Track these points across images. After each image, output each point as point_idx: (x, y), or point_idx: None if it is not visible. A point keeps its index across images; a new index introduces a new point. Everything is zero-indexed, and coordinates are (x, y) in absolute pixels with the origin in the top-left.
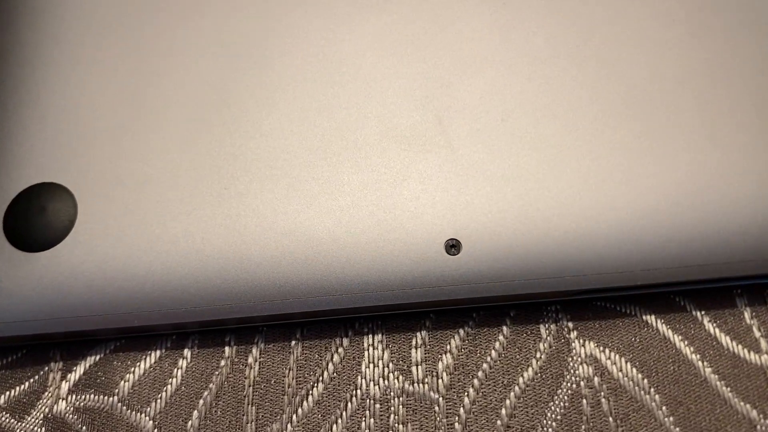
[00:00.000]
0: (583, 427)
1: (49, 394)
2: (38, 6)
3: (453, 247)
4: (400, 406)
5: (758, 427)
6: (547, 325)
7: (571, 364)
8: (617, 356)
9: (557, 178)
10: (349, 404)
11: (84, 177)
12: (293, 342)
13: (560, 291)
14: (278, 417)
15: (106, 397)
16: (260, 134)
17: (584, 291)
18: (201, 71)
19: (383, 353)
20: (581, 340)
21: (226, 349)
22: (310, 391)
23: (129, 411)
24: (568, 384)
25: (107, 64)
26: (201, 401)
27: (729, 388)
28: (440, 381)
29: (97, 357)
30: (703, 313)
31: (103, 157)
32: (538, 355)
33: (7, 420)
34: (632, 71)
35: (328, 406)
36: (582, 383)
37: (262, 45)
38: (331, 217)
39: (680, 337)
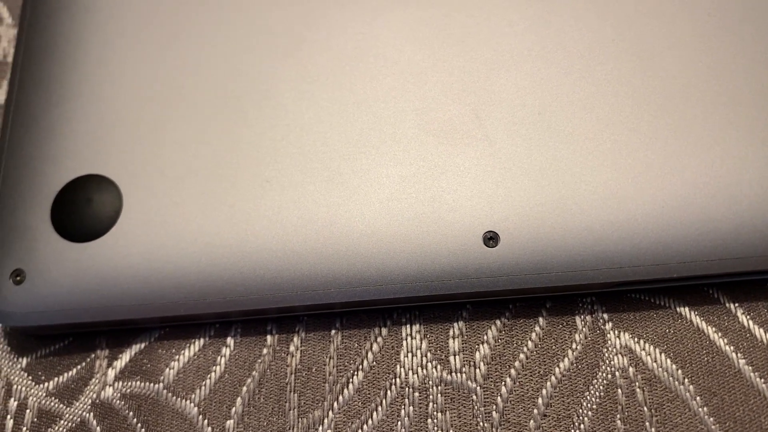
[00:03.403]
0: (618, 416)
1: (96, 381)
2: (79, 1)
3: (491, 239)
4: (439, 395)
5: None
6: (582, 317)
7: (606, 354)
8: (652, 347)
9: (594, 171)
10: (389, 392)
11: (129, 169)
12: (333, 331)
13: (597, 283)
14: (320, 404)
15: (151, 384)
16: (300, 127)
17: (620, 283)
18: (242, 64)
19: (421, 343)
20: (616, 332)
21: (268, 337)
22: (351, 379)
23: (174, 398)
24: (604, 374)
25: (150, 57)
26: (244, 388)
27: (763, 380)
28: (477, 371)
29: (142, 345)
30: (736, 305)
31: (147, 149)
32: (573, 346)
33: (56, 405)
34: (669, 63)
35: (368, 393)
36: (617, 373)
37: (302, 38)
38: (370, 210)
39: (714, 329)
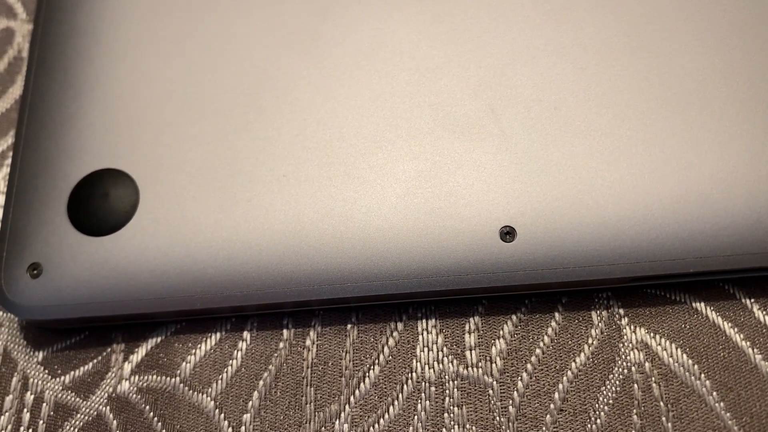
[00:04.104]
0: (634, 411)
1: (113, 375)
2: None
3: (508, 234)
4: (455, 390)
5: None
6: (598, 312)
7: (623, 349)
8: (668, 342)
9: (610, 166)
10: (405, 387)
11: (145, 163)
12: (349, 325)
13: (613, 278)
14: (336, 398)
15: (168, 378)
16: (317, 122)
17: (637, 278)
18: (258, 59)
19: (437, 338)
20: (632, 327)
21: (284, 331)
22: (367, 374)
23: (191, 391)
24: (620, 369)
25: (166, 52)
26: (261, 382)
27: None
28: (494, 365)
29: (159, 339)
30: (752, 300)
31: (164, 143)
32: (589, 341)
33: (73, 398)
34: (686, 59)
35: (385, 388)
36: (633, 368)
37: (319, 34)
38: (386, 204)
39: (730, 324)
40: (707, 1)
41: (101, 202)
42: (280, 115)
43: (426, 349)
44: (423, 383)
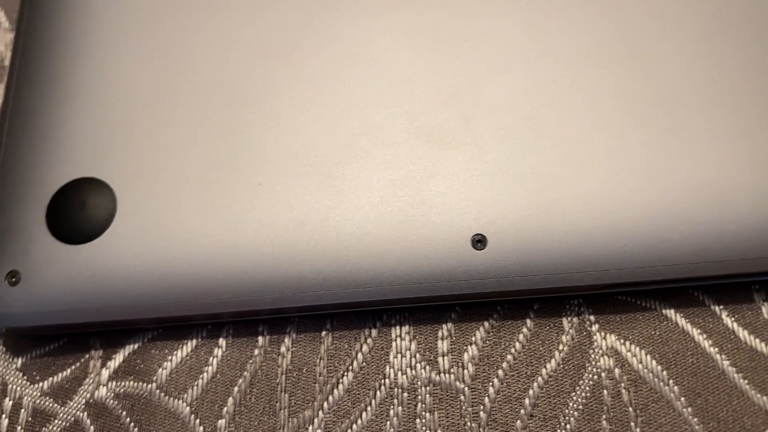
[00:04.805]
0: (603, 416)
1: (90, 381)
2: (76, 4)
3: (479, 242)
4: (427, 395)
5: None
6: (569, 318)
7: (593, 356)
8: (637, 348)
9: (581, 176)
10: (378, 392)
11: (123, 172)
12: (324, 332)
13: (583, 285)
14: (310, 404)
15: (144, 384)
16: (292, 131)
17: (606, 285)
18: (235, 69)
19: (410, 344)
20: (602, 333)
21: (260, 338)
22: (341, 380)
23: (167, 397)
24: (590, 375)
25: (144, 62)
26: (236, 388)
27: (746, 381)
28: (466, 371)
29: (136, 345)
30: (721, 307)
31: (141, 153)
32: (560, 347)
33: (51, 404)
34: (655, 70)
35: (358, 394)
36: (603, 374)
37: (295, 43)
38: (360, 213)
39: (699, 331)
40: (678, 12)
41: (79, 211)
42: (256, 124)
43: (399, 356)
44: (396, 389)
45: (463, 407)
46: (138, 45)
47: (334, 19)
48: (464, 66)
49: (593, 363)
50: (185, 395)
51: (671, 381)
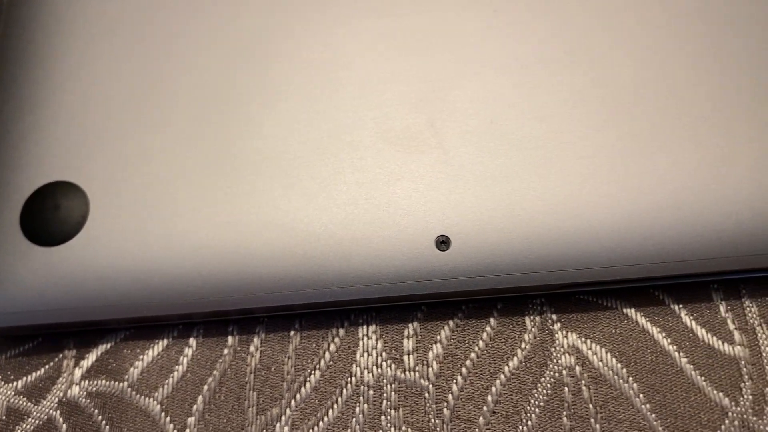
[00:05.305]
0: (564, 413)
1: (64, 380)
2: (50, 8)
3: (443, 243)
4: (393, 393)
5: (730, 414)
6: (532, 317)
7: (554, 354)
8: (598, 347)
9: (542, 178)
10: (345, 390)
11: (96, 175)
12: (292, 332)
13: (544, 285)
14: (278, 402)
15: (116, 383)
16: (262, 135)
17: (567, 285)
18: (205, 73)
19: (377, 343)
20: (564, 332)
21: (229, 338)
22: (308, 378)
23: (138, 396)
24: (551, 373)
25: (117, 66)
26: (205, 387)
27: (703, 378)
28: (430, 369)
29: (109, 345)
30: (680, 306)
31: (114, 156)
32: (523, 345)
33: (24, 403)
34: (616, 77)
35: (325, 392)
36: (564, 372)
37: (264, 48)
38: (328, 214)
39: (658, 329)
40: (639, 18)
41: (53, 213)
42: (226, 128)
43: (366, 354)
44: (362, 387)
45: (428, 404)
46: (111, 50)
47: (302, 25)
48: (430, 71)
49: (555, 361)
50: (156, 393)
51: (631, 378)
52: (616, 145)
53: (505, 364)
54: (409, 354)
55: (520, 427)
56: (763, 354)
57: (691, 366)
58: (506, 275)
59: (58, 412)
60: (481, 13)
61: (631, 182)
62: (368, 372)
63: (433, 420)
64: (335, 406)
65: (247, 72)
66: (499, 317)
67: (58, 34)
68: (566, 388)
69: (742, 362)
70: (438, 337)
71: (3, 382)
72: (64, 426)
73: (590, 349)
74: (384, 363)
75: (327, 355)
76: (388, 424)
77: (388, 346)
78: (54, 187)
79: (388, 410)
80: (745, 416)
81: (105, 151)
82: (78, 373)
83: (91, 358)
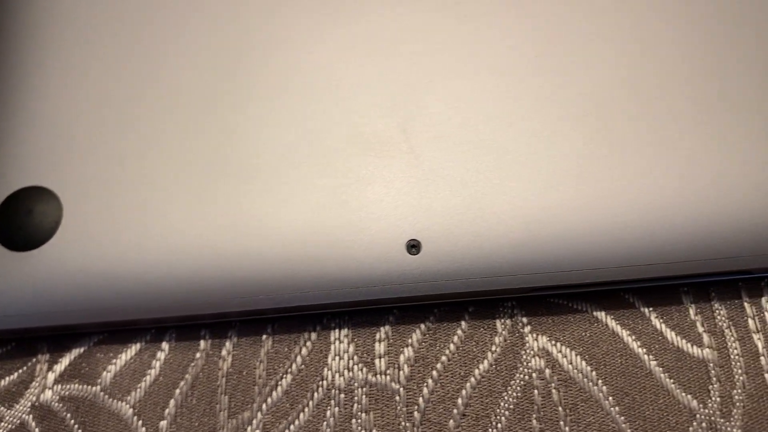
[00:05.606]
0: (534, 415)
1: (37, 384)
2: (23, 14)
3: (413, 247)
4: (363, 396)
5: (698, 415)
6: (502, 320)
7: (525, 356)
8: (568, 350)
9: (512, 183)
10: (316, 394)
11: (69, 181)
12: (264, 336)
13: (514, 288)
14: (249, 406)
15: (89, 387)
16: (233, 140)
17: (537, 288)
18: (177, 79)
19: (349, 346)
20: (534, 335)
21: (202, 342)
22: (279, 382)
23: (110, 399)
24: (521, 375)
25: (90, 72)
26: (177, 390)
27: (672, 380)
28: (401, 372)
29: (82, 349)
30: (650, 309)
31: (87, 161)
32: (493, 348)
33: None
34: (585, 82)
35: (296, 395)
36: (534, 375)
37: (235, 53)
38: (300, 219)
39: (628, 332)
40: (610, 20)
41: (26, 218)
42: (199, 133)
43: (337, 358)
44: (333, 390)
45: (398, 407)
46: (81, 56)
47: (276, 30)
48: (402, 76)
49: (525, 364)
50: (128, 397)
51: (600, 381)
52: (584, 150)
53: (475, 367)
54: (380, 357)
55: (490, 430)
56: (731, 356)
57: (660, 369)
58: (476, 279)
59: (31, 416)
60: (452, 19)
61: (601, 186)
62: (339, 375)
63: (403, 423)
64: (306, 409)
65: (217, 77)
66: (470, 320)
67: (31, 40)
68: (536, 391)
69: (711, 365)
70: (410, 341)
71: None
72: (37, 430)
73: (560, 351)
74: (356, 366)
75: (299, 358)
76: (359, 428)
77: (360, 349)
78: (27, 192)
79: (359, 413)
80: (712, 418)
81: (78, 156)
82: (51, 377)
83: (65, 362)
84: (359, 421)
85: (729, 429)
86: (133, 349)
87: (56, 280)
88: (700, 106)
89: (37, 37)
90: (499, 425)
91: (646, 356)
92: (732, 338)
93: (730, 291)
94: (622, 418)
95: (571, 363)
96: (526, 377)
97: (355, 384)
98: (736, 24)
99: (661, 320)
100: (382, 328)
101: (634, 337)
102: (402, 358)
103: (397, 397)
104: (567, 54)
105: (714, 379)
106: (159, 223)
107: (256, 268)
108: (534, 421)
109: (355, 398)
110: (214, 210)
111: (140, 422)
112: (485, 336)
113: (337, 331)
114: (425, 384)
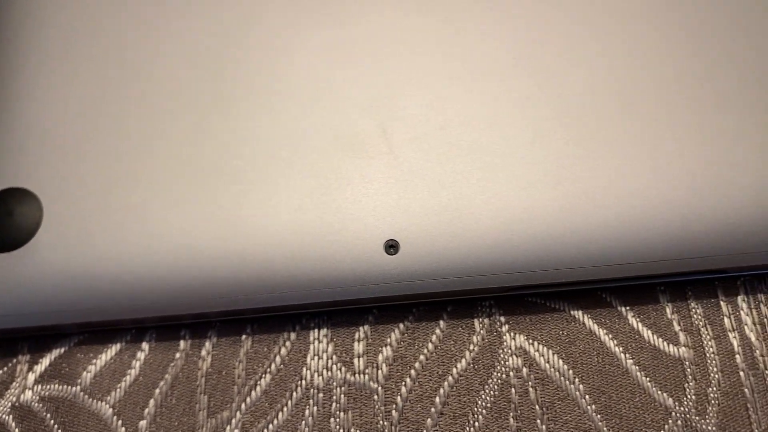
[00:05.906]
0: (511, 414)
1: (17, 384)
2: (5, 15)
3: (392, 247)
4: (342, 395)
5: (673, 414)
6: (480, 320)
7: (502, 355)
8: (545, 349)
9: (490, 183)
10: (295, 393)
11: (50, 182)
12: (244, 336)
13: (492, 288)
14: (228, 405)
15: (69, 387)
16: (214, 142)
17: (515, 288)
18: (157, 81)
19: (328, 346)
20: (512, 334)
21: (181, 342)
22: (258, 382)
23: (90, 399)
24: (499, 374)
25: (71, 72)
26: (157, 390)
27: (648, 378)
28: (380, 372)
29: (62, 350)
30: (627, 308)
31: (68, 162)
32: (471, 347)
33: None
34: (564, 84)
35: (275, 395)
36: (511, 373)
37: (214, 54)
38: (279, 220)
39: (605, 331)
40: (590, 23)
41: (6, 219)
42: (179, 133)
43: (316, 358)
44: (312, 390)
45: (377, 406)
46: (62, 57)
47: (252, 31)
48: (381, 77)
49: (502, 362)
50: (108, 397)
51: (577, 379)
52: (563, 151)
53: (453, 366)
54: (359, 357)
55: (468, 428)
56: (707, 355)
57: (637, 367)
58: (454, 278)
59: (11, 416)
60: (432, 20)
61: (577, 187)
62: (318, 375)
63: (381, 422)
64: (285, 409)
65: (196, 79)
66: (448, 320)
67: (11, 40)
68: (513, 390)
69: (687, 363)
70: (388, 340)
71: None
72: (17, 430)
73: (537, 350)
74: (334, 366)
75: (278, 358)
76: (338, 427)
77: (339, 349)
78: (7, 193)
79: (338, 413)
80: (688, 416)
81: (59, 158)
82: (31, 377)
83: (45, 362)
84: (338, 420)
85: (704, 426)
86: (113, 349)
87: (36, 280)
88: (674, 107)
89: (17, 39)
90: (476, 423)
91: (622, 355)
92: (708, 337)
93: (707, 290)
94: (599, 416)
95: (548, 362)
96: (504, 376)
97: (334, 383)
98: (711, 23)
99: (638, 319)
100: (361, 328)
101: (610, 336)
102: (380, 357)
103: (376, 396)
104: (545, 56)
105: (690, 377)
106: (138, 225)
107: (236, 268)
108: (511, 420)
109: (334, 397)
110: (193, 211)
111: (120, 422)
112: (463, 335)
113: (316, 331)
114: (403, 383)
